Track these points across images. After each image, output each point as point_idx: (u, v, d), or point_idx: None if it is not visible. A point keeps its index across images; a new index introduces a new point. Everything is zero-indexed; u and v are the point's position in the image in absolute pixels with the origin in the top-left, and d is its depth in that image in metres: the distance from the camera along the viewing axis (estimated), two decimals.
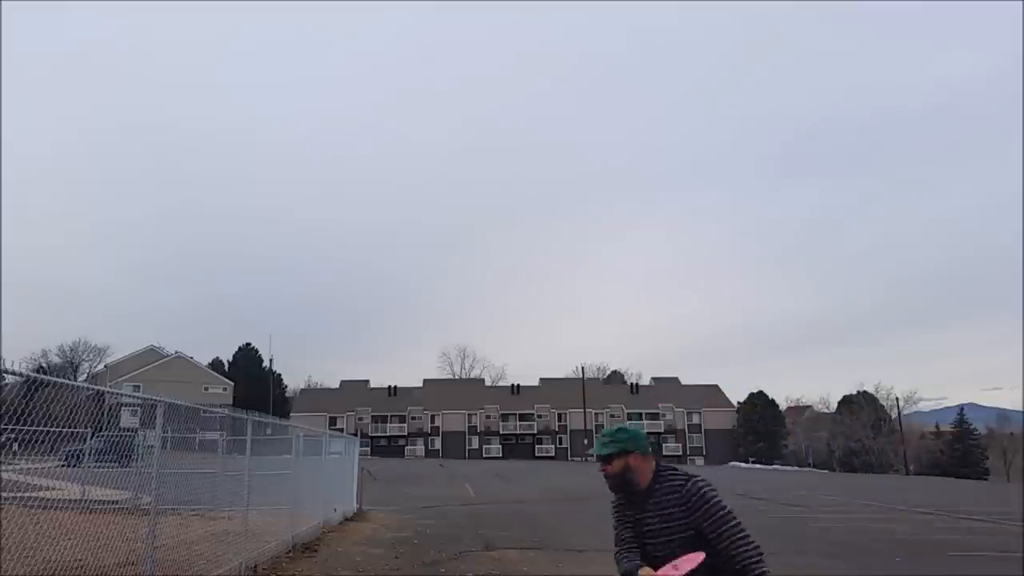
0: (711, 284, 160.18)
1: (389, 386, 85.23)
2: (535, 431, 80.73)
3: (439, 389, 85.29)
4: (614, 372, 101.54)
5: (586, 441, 74.72)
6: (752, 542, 2.83)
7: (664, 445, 79.56)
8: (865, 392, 75.31)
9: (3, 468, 9.04)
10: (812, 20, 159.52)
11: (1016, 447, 73.01)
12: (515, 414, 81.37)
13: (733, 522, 2.88)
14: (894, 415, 71.03)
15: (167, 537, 7.18)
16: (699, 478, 2.99)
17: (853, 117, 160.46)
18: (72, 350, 75.56)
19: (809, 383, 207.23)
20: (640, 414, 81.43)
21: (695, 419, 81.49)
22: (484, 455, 77.53)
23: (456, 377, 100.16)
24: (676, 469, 3.10)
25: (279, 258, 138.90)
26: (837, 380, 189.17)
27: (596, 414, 78.59)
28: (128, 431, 8.56)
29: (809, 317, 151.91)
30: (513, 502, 21.38)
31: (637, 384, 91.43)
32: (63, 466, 13.26)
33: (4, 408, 5.36)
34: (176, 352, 76.73)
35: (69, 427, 5.95)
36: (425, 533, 13.30)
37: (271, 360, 79.22)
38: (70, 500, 9.08)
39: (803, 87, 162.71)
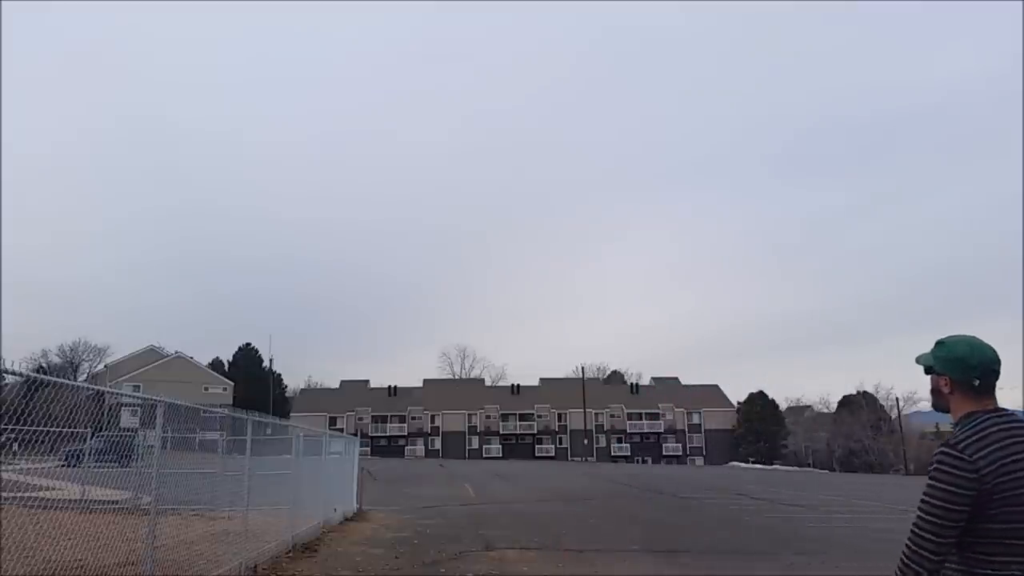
0: (712, 284, 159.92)
1: (389, 386, 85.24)
2: (535, 431, 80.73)
3: (439, 389, 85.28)
4: (614, 372, 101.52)
5: (586, 441, 74.73)
6: (909, 546, 2.15)
7: (664, 445, 79.65)
8: (865, 392, 75.29)
9: (3, 468, 9.05)
10: (812, 20, 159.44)
11: None
12: (515, 414, 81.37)
13: (917, 512, 2.14)
14: (894, 415, 71.03)
15: (167, 537, 7.18)
16: (948, 440, 2.15)
17: (853, 117, 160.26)
18: (72, 350, 75.64)
19: (809, 383, 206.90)
20: (640, 414, 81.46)
21: (695, 419, 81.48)
22: (484, 455, 77.51)
23: (456, 377, 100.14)
24: (975, 418, 2.17)
25: (280, 258, 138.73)
26: (837, 380, 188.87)
27: (596, 414, 78.59)
28: (128, 431, 8.57)
29: (809, 317, 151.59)
30: (513, 502, 21.37)
31: (637, 384, 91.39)
32: (63, 466, 13.25)
33: (4, 408, 5.36)
34: (176, 352, 76.73)
35: (69, 427, 5.96)
36: (425, 533, 13.30)
37: (271, 360, 79.28)
38: (70, 500, 9.08)
39: (803, 87, 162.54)
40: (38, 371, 13.48)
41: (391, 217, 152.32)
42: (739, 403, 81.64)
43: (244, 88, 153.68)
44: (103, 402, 6.93)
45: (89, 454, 10.44)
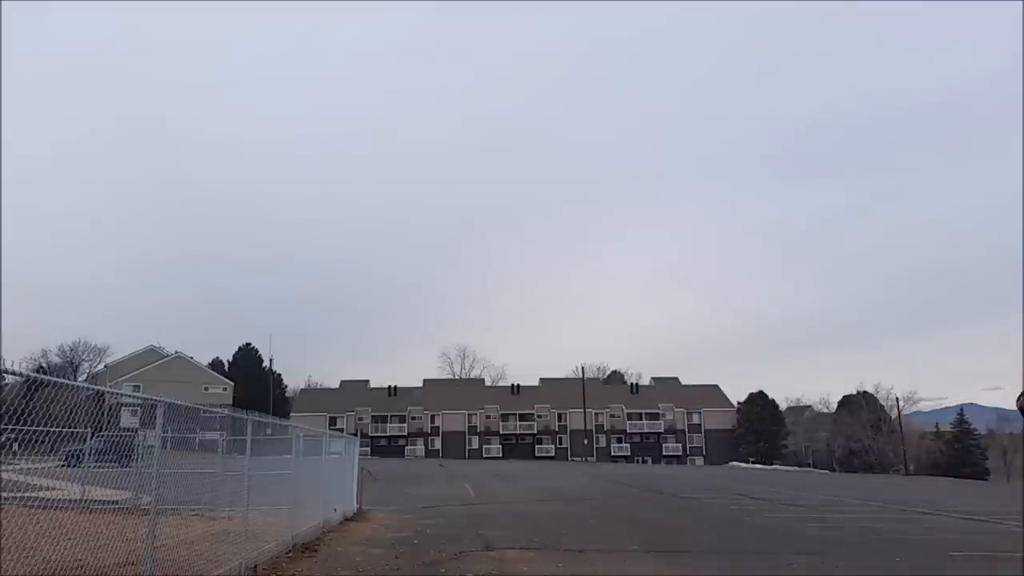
0: (712, 284, 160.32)
1: (389, 386, 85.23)
2: (535, 431, 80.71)
3: (439, 389, 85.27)
4: (614, 372, 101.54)
5: (586, 441, 74.72)
6: None
7: (664, 445, 79.64)
8: (865, 392, 75.27)
9: (3, 468, 9.05)
10: (812, 20, 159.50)
11: (1016, 447, 72.98)
12: (515, 414, 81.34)
13: None
14: (894, 415, 71.03)
15: (167, 537, 7.18)
16: None
17: (853, 117, 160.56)
18: (72, 350, 75.56)
19: (809, 383, 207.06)
20: (640, 414, 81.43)
21: (695, 419, 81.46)
22: (484, 455, 77.50)
23: (456, 377, 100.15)
24: None
25: (280, 258, 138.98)
26: (837, 380, 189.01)
27: (596, 414, 78.59)
28: (128, 431, 8.57)
29: (809, 317, 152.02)
30: (513, 502, 21.38)
31: (637, 384, 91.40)
32: (63, 466, 13.26)
33: (4, 408, 5.36)
34: (176, 352, 76.68)
35: (69, 427, 5.95)
36: (425, 533, 13.31)
37: (271, 360, 79.20)
38: (70, 500, 9.08)
39: (803, 87, 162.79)
40: (38, 371, 13.49)
41: (391, 217, 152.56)
42: (739, 403, 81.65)
43: (244, 88, 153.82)
44: (103, 402, 6.92)
45: (89, 454, 10.44)
